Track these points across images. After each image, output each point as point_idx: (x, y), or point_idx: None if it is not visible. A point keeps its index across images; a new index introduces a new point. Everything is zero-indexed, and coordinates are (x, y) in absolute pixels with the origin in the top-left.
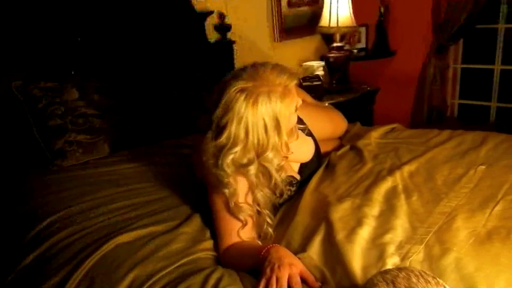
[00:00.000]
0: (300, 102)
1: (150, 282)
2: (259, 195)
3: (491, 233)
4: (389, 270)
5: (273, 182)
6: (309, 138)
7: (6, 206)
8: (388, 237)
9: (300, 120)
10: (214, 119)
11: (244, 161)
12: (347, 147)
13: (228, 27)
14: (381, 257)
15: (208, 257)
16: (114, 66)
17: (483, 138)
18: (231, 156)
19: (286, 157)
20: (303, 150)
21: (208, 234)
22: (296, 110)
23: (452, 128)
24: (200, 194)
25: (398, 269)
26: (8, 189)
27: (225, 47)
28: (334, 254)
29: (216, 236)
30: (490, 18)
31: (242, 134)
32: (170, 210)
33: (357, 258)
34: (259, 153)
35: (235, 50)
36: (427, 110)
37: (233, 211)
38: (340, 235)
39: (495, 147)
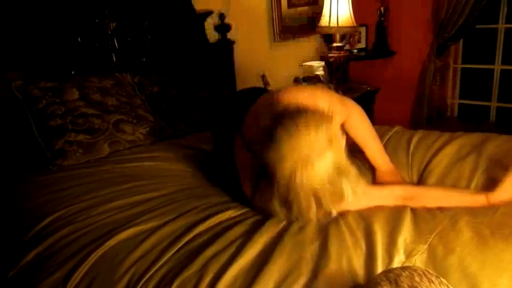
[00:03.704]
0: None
1: (149, 274)
2: None
3: (495, 232)
4: (393, 269)
5: None
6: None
7: (6, 206)
8: (392, 237)
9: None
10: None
11: None
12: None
13: (228, 27)
14: (385, 256)
15: None
16: (114, 66)
17: (483, 139)
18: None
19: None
20: None
21: None
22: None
23: (453, 128)
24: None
25: (402, 268)
26: (9, 188)
27: (225, 47)
28: None
29: None
30: (490, 18)
31: None
32: (171, 205)
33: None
34: None
35: (235, 50)
36: (427, 110)
37: None
38: None
39: (495, 149)
